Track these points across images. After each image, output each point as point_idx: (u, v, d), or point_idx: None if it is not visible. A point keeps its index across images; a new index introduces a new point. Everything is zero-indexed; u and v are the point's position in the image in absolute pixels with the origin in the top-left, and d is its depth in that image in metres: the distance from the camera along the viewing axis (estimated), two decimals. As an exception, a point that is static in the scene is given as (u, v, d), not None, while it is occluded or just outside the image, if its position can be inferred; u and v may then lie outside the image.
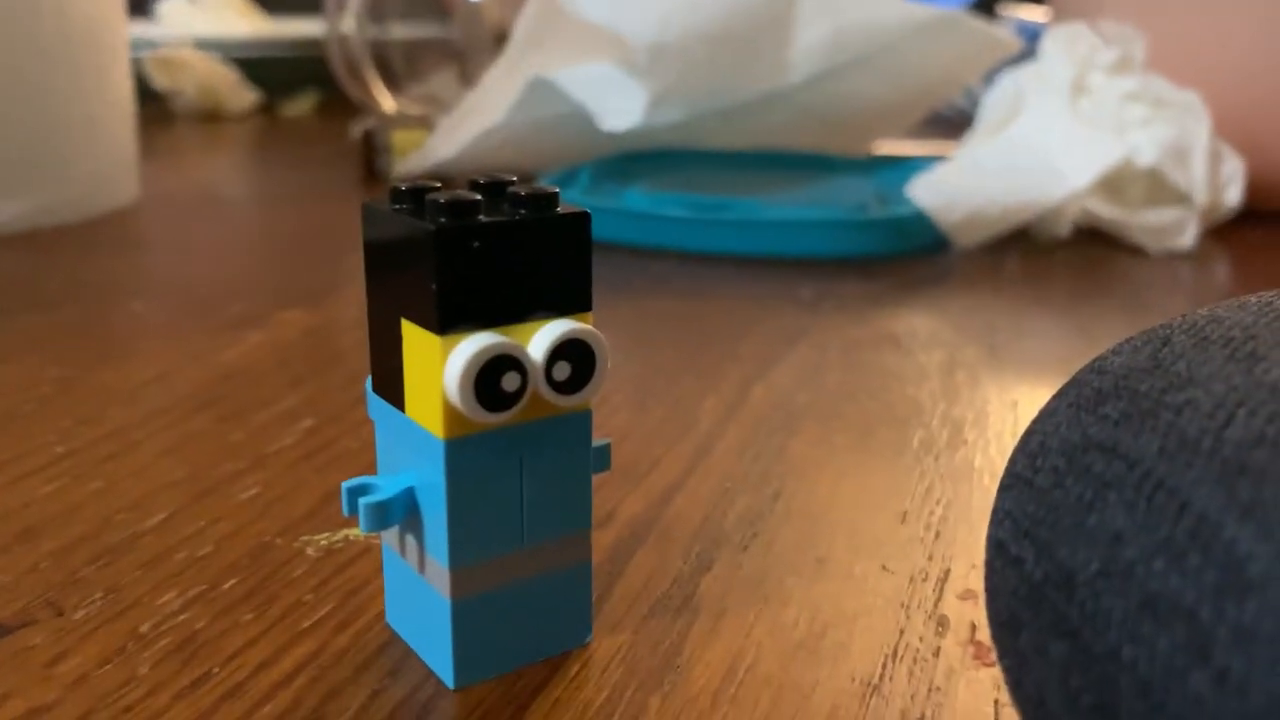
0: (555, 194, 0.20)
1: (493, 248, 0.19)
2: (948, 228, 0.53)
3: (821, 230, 0.53)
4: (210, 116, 0.98)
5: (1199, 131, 0.57)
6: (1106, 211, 0.55)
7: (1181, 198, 0.57)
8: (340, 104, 0.95)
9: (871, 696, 0.21)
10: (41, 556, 0.25)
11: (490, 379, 0.19)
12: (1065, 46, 0.59)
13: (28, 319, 0.43)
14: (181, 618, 0.23)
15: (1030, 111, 0.57)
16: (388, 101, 0.80)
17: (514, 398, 0.19)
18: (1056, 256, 0.54)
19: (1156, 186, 0.57)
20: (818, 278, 0.50)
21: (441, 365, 0.19)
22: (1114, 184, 0.57)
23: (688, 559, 0.26)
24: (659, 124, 0.60)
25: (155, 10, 1.10)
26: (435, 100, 0.81)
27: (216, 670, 0.21)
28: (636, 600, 0.24)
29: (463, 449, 0.20)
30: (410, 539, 0.21)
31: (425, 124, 0.71)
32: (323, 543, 0.26)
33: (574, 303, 0.20)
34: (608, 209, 0.56)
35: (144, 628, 0.23)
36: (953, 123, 0.85)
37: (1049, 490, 0.16)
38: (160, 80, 0.96)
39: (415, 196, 0.20)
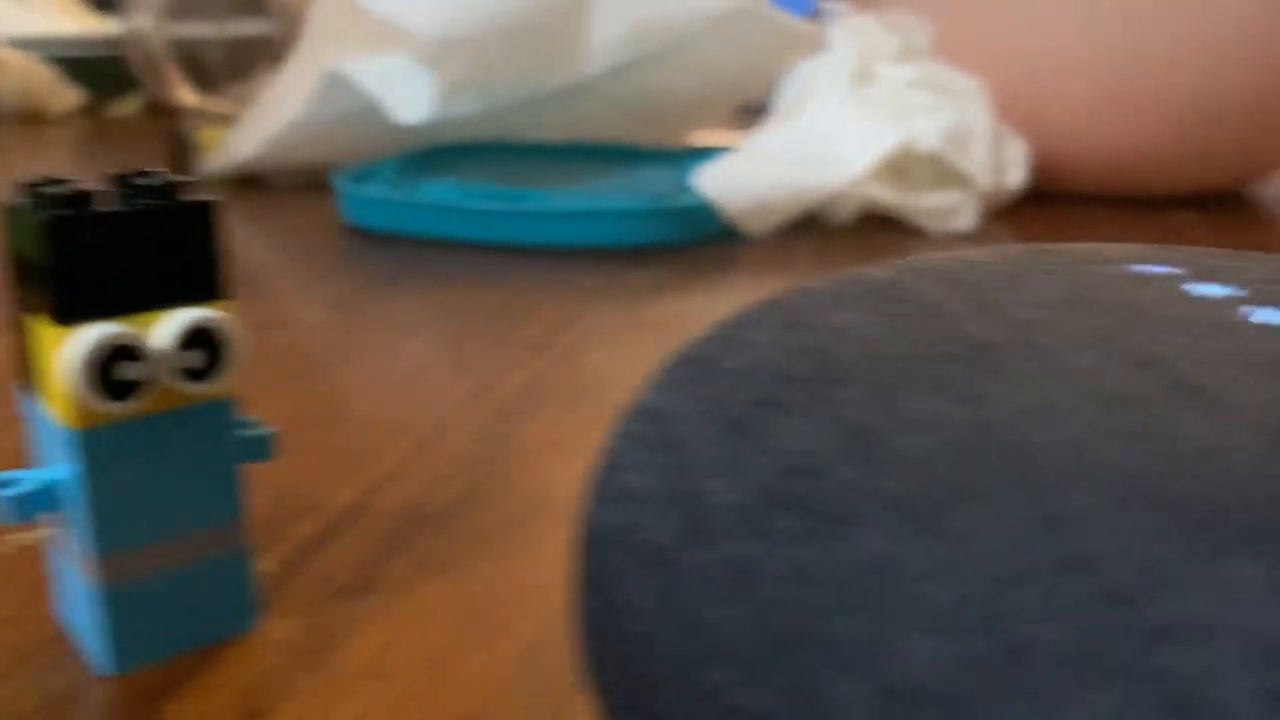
0: (178, 183, 0.20)
1: (109, 238, 0.19)
2: (733, 216, 0.54)
3: (609, 220, 0.53)
4: (31, 118, 0.96)
5: (979, 116, 0.60)
6: (889, 196, 0.57)
7: (965, 181, 0.59)
8: (170, 104, 0.93)
9: (527, 667, 0.22)
10: None
11: (108, 369, 0.19)
12: (852, 36, 0.61)
13: None
14: None
15: (817, 100, 0.59)
16: (190, 99, 0.79)
17: (134, 388, 0.19)
18: (843, 242, 0.56)
19: (941, 171, 0.60)
20: (607, 267, 0.51)
21: (60, 355, 0.19)
22: (900, 168, 0.59)
23: (381, 545, 0.26)
24: (454, 116, 0.61)
25: (-29, 9, 1.06)
26: (254, 98, 0.80)
27: None
28: (317, 587, 0.24)
29: (95, 440, 0.20)
30: (62, 531, 0.21)
31: (232, 122, 0.70)
32: (16, 540, 0.26)
33: (203, 291, 0.20)
34: (406, 202, 0.56)
35: None
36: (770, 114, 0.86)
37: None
38: (-27, 80, 0.93)
39: (40, 191, 0.20)
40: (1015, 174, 0.61)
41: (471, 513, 0.28)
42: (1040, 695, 0.10)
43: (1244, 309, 0.16)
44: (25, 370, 0.21)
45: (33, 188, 0.20)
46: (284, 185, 0.68)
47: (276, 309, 0.45)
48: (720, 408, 0.15)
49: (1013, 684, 0.11)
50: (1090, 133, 0.63)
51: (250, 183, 0.69)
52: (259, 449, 0.22)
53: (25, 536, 0.26)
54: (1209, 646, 0.10)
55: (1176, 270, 0.18)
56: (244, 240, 0.57)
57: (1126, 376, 0.14)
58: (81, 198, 0.19)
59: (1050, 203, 0.65)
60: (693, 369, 0.17)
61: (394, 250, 0.54)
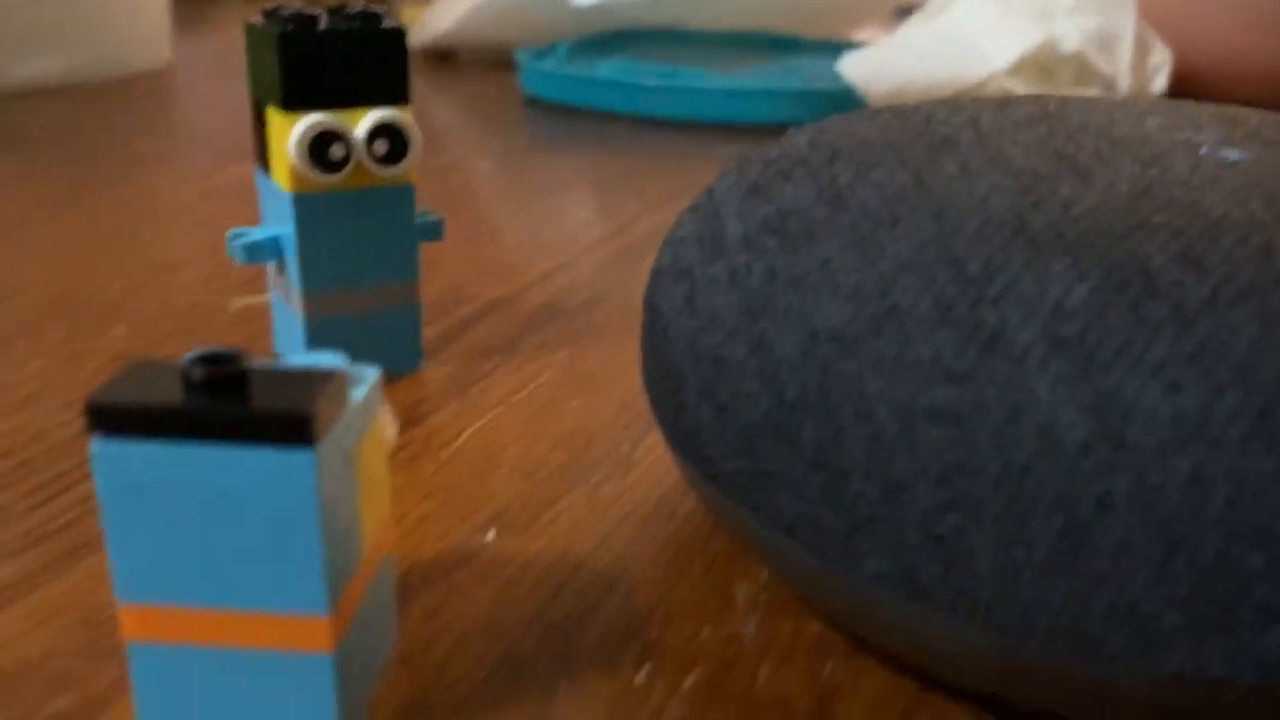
0: (380, 14, 0.26)
1: (325, 48, 0.26)
2: (872, 101, 0.58)
3: (753, 98, 0.58)
4: (253, -5, 1.05)
5: (1126, 21, 0.62)
6: (1025, 91, 0.60)
7: (1107, 83, 0.62)
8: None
9: (618, 410, 0.28)
10: (32, 303, 0.33)
11: (321, 147, 0.26)
12: (1008, -62, 0.63)
13: (53, 152, 0.51)
14: (123, 343, 0.31)
15: (964, 1, 0.62)
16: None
17: (340, 164, 0.26)
18: (979, 132, 0.59)
19: (1086, 72, 0.62)
20: (746, 141, 0.56)
21: (287, 136, 0.26)
22: (1043, 67, 0.62)
23: (520, 326, 0.33)
24: (624, 1, 0.66)
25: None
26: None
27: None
28: (468, 349, 0.31)
29: (306, 202, 0.26)
30: (281, 278, 0.28)
31: (430, 1, 0.77)
32: (244, 301, 0.34)
33: (394, 96, 0.27)
34: (577, 76, 0.62)
35: (94, 345, 0.30)
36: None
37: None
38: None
39: (276, 15, 0.26)
40: (1159, 80, 0.63)
41: (592, 312, 0.34)
42: (904, 334, 0.16)
43: (1180, 134, 0.21)
44: (261, 152, 0.28)
45: (268, 13, 0.27)
46: (472, 60, 0.75)
47: (455, 159, 0.52)
48: (747, 180, 0.20)
49: (889, 328, 0.16)
50: (1235, 41, 0.64)
51: (443, 57, 0.76)
52: (433, 230, 0.29)
53: (249, 299, 0.34)
54: (1017, 308, 0.15)
55: (1152, 113, 0.23)
56: (433, 105, 0.64)
57: (1040, 162, 0.18)
58: (306, 19, 0.26)
59: (1198, 110, 0.67)
60: (744, 161, 0.22)
61: (561, 119, 0.60)
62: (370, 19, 0.26)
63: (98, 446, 0.15)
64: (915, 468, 0.15)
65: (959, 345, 0.15)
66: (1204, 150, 0.19)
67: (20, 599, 0.20)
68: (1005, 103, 0.23)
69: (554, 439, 0.26)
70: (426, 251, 0.38)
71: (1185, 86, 0.67)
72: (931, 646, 0.16)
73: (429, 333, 0.32)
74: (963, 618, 0.16)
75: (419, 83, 0.69)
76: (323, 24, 0.26)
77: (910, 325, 0.16)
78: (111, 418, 0.15)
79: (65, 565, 0.21)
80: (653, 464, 0.25)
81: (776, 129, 0.58)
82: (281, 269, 0.28)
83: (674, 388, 0.19)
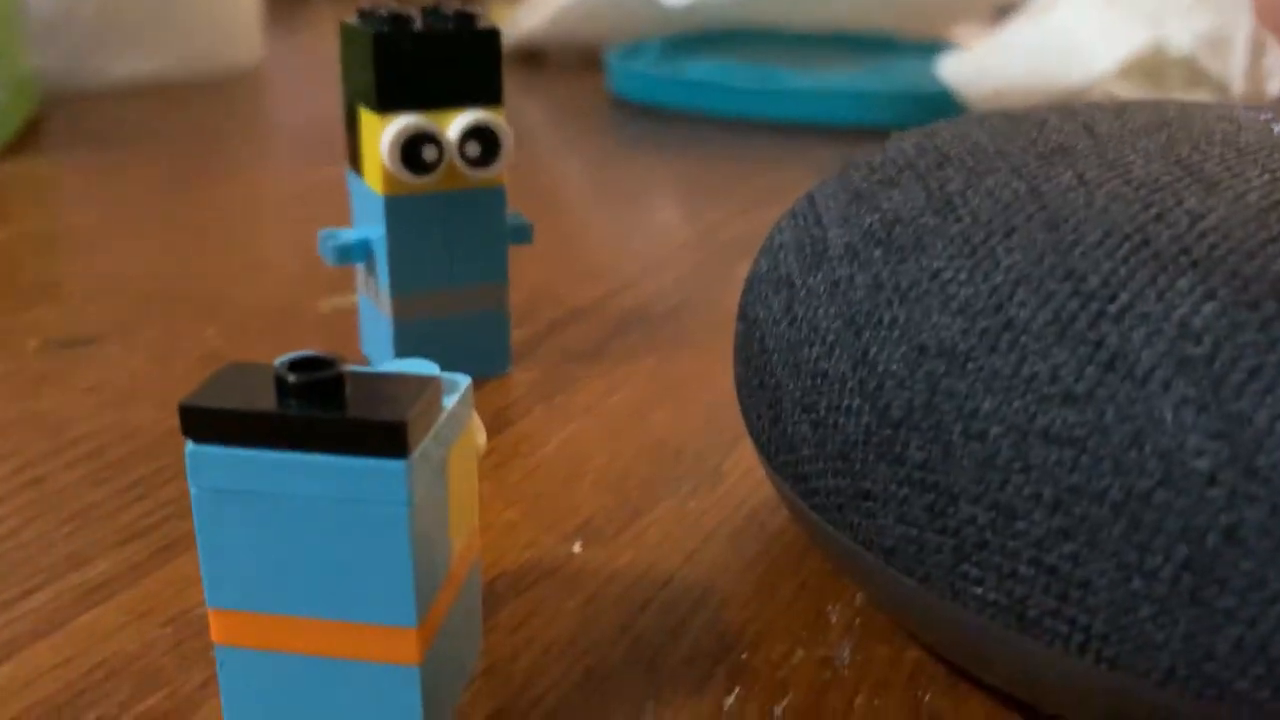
0: (475, 14, 0.26)
1: (420, 49, 0.25)
2: (973, 104, 0.57)
3: (848, 99, 0.57)
4: (347, -4, 1.06)
5: (1240, 21, 0.59)
6: (1130, 94, 0.58)
7: (1220, 87, 0.60)
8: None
9: (706, 419, 0.27)
10: (126, 301, 0.34)
11: (413, 149, 0.26)
12: (1113, -64, 0.61)
13: (148, 150, 0.52)
14: (215, 343, 0.31)
15: (1067, 0, 0.60)
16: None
17: (433, 166, 0.26)
18: (1079, 137, 0.58)
19: (1197, 76, 0.60)
20: (840, 144, 0.55)
21: (379, 137, 0.26)
22: (1152, 71, 0.60)
23: (609, 330, 0.32)
24: (715, 0, 0.65)
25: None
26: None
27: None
28: (556, 353, 0.31)
29: (398, 204, 0.26)
30: (370, 279, 0.28)
31: (520, 0, 0.77)
32: (332, 303, 0.34)
33: (487, 97, 0.27)
34: (667, 77, 0.61)
35: (186, 345, 0.31)
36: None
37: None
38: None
39: (372, 16, 0.26)
40: (1274, 83, 0.61)
41: (681, 317, 0.33)
42: (1019, 350, 0.15)
43: (1312, 143, 0.20)
44: (353, 154, 0.28)
45: (363, 13, 0.26)
46: (561, 59, 0.75)
47: (544, 160, 0.52)
48: (851, 185, 0.20)
49: (1003, 344, 0.15)
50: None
51: (532, 56, 0.76)
52: (523, 233, 0.29)
53: (338, 300, 0.34)
54: (1140, 326, 0.15)
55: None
56: (521, 105, 0.64)
57: (1161, 171, 0.18)
58: (401, 20, 0.25)
59: (1311, 115, 0.64)
60: (846, 166, 0.21)
61: (651, 120, 0.60)
62: (465, 20, 0.26)
63: (191, 451, 0.15)
64: (1029, 492, 0.15)
65: (1078, 364, 0.15)
66: (1340, 160, 0.18)
67: (114, 595, 0.20)
68: (1122, 108, 0.22)
69: (641, 448, 0.26)
70: (514, 254, 0.38)
71: (1297, 91, 0.64)
72: (1040, 679, 0.16)
73: (516, 336, 0.32)
74: (1075, 652, 0.15)
75: (508, 82, 0.69)
76: (418, 24, 0.26)
77: (1026, 341, 0.15)
78: (205, 422, 0.15)
79: (157, 563, 0.21)
80: (742, 477, 0.24)
81: (872, 131, 0.57)
82: (371, 270, 0.28)
83: (771, 401, 0.19)
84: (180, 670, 0.18)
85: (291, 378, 0.15)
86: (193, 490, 0.15)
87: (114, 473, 0.24)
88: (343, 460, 0.15)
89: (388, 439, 0.14)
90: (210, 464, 0.15)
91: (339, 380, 0.15)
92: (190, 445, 0.15)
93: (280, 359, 0.15)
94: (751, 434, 0.20)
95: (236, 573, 0.16)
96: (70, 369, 0.29)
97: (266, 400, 0.15)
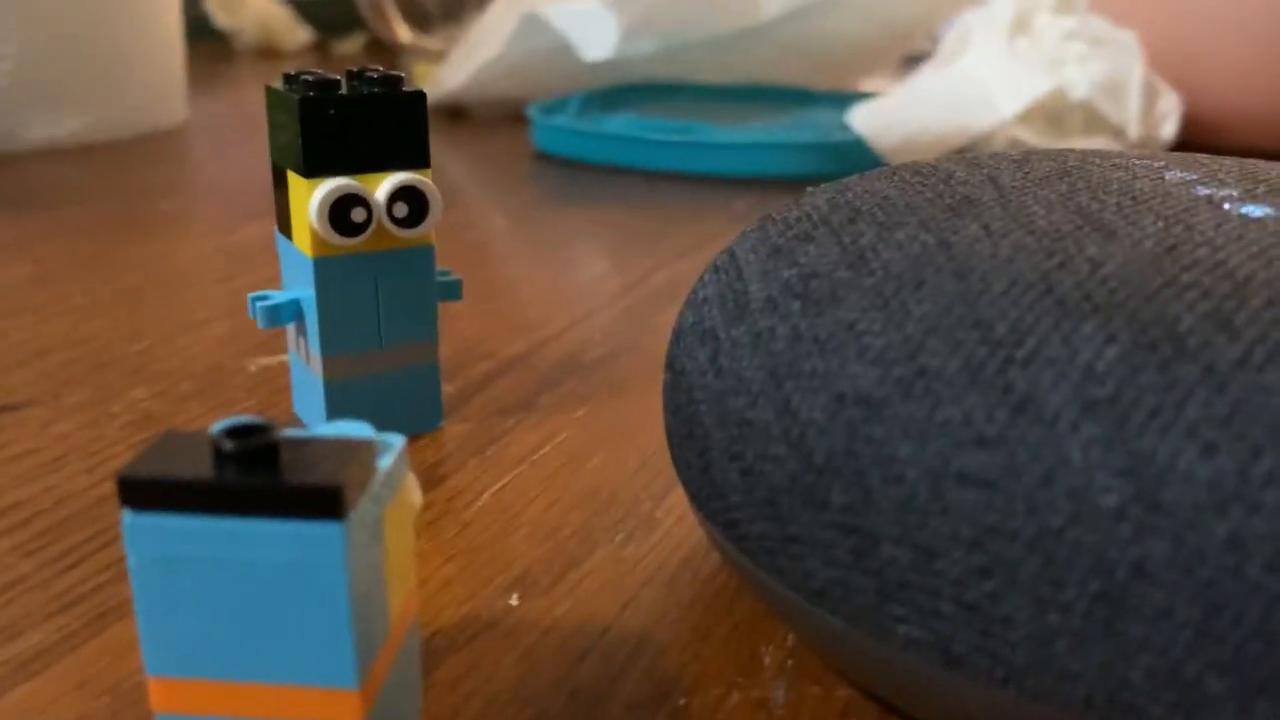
0: (400, 77, 0.27)
1: (346, 114, 0.26)
2: (882, 152, 0.59)
3: (764, 151, 0.59)
4: (267, 53, 1.06)
5: (1133, 68, 0.62)
6: (1032, 138, 0.61)
7: (1116, 131, 0.62)
8: (389, 42, 1.02)
9: (640, 467, 0.28)
10: (54, 365, 0.33)
11: (342, 212, 0.26)
12: (1014, -12, 0.64)
13: (71, 211, 0.51)
14: (145, 405, 0.31)
15: (973, 48, 0.62)
16: (408, 38, 0.87)
17: (361, 227, 0.26)
18: (990, 180, 0.59)
19: (1095, 120, 0.62)
20: (759, 194, 0.56)
21: (308, 201, 0.26)
22: (1053, 116, 0.62)
23: (539, 382, 0.33)
24: (636, 55, 0.67)
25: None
26: (462, 38, 0.87)
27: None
28: (488, 406, 0.31)
29: (327, 266, 0.27)
30: (300, 340, 0.28)
31: (442, 58, 0.78)
32: (262, 363, 0.34)
33: (414, 160, 0.27)
34: (588, 131, 0.62)
35: (115, 408, 0.30)
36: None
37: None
38: (221, 19, 1.04)
39: (297, 80, 0.27)
40: (1168, 127, 0.63)
41: (610, 367, 0.34)
42: (932, 397, 0.16)
43: (1202, 189, 0.21)
44: (281, 216, 0.28)
45: (289, 77, 0.27)
46: (484, 115, 0.76)
47: (469, 215, 0.52)
48: (769, 240, 0.20)
49: (917, 391, 0.16)
50: (1245, 87, 0.64)
51: (456, 113, 0.77)
52: (452, 290, 0.29)
53: (269, 360, 0.34)
54: (1048, 370, 0.15)
55: (1171, 166, 0.23)
56: (446, 161, 0.64)
57: (1063, 220, 0.19)
58: (327, 84, 0.26)
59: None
60: (764, 221, 0.22)
61: (574, 174, 0.61)
62: (390, 83, 0.26)
63: (130, 521, 0.15)
64: (948, 532, 0.15)
65: (989, 408, 0.15)
66: (1227, 206, 0.19)
67: (49, 667, 0.20)
68: (1025, 158, 0.23)
69: (575, 498, 0.26)
70: (444, 309, 0.39)
71: (1195, 132, 0.67)
72: (967, 713, 0.16)
73: (448, 390, 0.32)
74: (998, 685, 0.15)
75: (432, 139, 0.70)
76: (343, 88, 0.26)
77: (939, 388, 0.16)
78: (144, 492, 0.15)
79: (92, 632, 0.21)
80: (675, 522, 0.25)
81: (789, 181, 0.59)
82: (301, 331, 0.28)
83: (700, 449, 0.19)
84: (118, 741, 0.18)
85: (228, 445, 0.15)
86: (131, 560, 0.15)
87: (45, 542, 0.24)
88: (280, 525, 0.15)
89: (324, 502, 0.15)
90: (149, 533, 0.15)
91: (274, 446, 0.15)
92: (128, 515, 0.15)
93: (216, 426, 0.15)
94: (683, 481, 0.21)
95: (176, 639, 0.16)
96: (-5, 438, 0.29)
97: (204, 468, 0.15)
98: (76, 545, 0.24)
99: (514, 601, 0.22)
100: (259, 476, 0.15)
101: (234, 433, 0.15)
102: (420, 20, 0.89)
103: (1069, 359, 0.15)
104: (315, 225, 0.26)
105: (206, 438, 0.16)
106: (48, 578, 0.23)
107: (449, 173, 0.61)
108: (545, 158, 0.64)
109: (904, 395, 0.16)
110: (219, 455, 0.15)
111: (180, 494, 0.15)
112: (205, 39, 1.05)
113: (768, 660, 0.20)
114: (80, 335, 0.36)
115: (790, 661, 0.20)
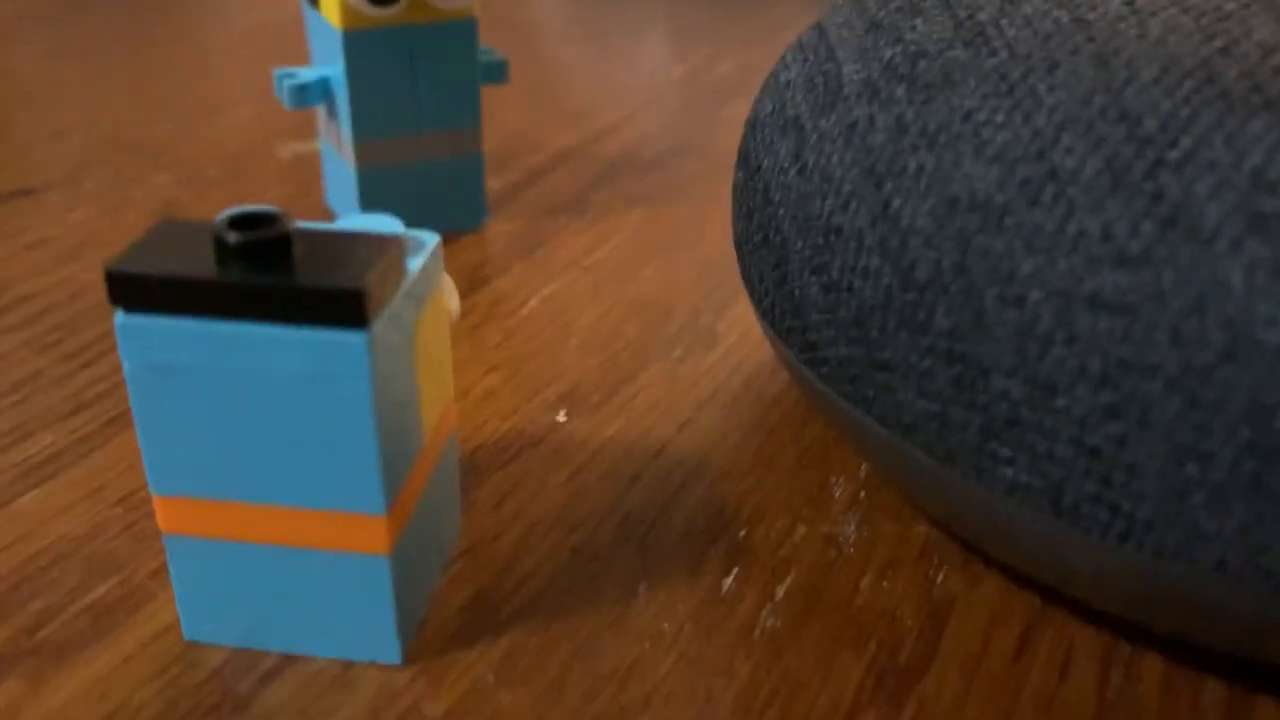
0: None
1: None
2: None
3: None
4: None
5: None
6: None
7: None
8: None
9: (698, 275, 0.25)
10: (74, 147, 0.31)
11: (375, -23, 0.23)
12: None
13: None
14: (168, 191, 0.29)
15: None
16: None
17: (396, -4, 0.23)
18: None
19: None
20: (834, -21, 0.52)
21: (336, -36, 0.23)
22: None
23: (592, 179, 0.30)
24: None
25: None
26: None
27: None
28: (536, 203, 0.29)
29: (358, 40, 0.24)
30: (331, 124, 0.26)
31: None
32: (293, 149, 0.31)
33: (455, -81, 0.24)
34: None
35: (137, 194, 0.28)
36: None
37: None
38: None
39: None
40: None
41: (670, 164, 0.31)
42: (1065, 204, 0.13)
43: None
44: (309, -17, 0.25)
45: None
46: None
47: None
48: (867, 14, 0.18)
49: (1046, 197, 0.13)
50: None
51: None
52: (497, 71, 0.26)
53: (299, 146, 0.31)
54: (1206, 176, 0.13)
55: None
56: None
57: (1225, -5, 0.15)
58: None
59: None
60: (857, -5, 0.19)
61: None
62: None
63: (122, 321, 0.13)
64: (1073, 365, 0.13)
65: (1133, 220, 0.13)
66: None
67: (61, 472, 0.19)
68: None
69: (629, 308, 0.24)
70: (488, 96, 0.36)
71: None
72: (1069, 565, 0.14)
73: (493, 185, 0.29)
74: (1115, 539, 0.13)
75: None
76: None
77: (1073, 194, 0.13)
78: (136, 289, 0.13)
79: (107, 436, 0.20)
80: (739, 339, 0.23)
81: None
82: (332, 113, 0.26)
83: (776, 260, 0.17)
84: (133, 555, 0.17)
85: (232, 237, 0.13)
86: (125, 366, 0.13)
87: (59, 337, 0.22)
88: (294, 332, 0.13)
89: (344, 307, 0.13)
90: (143, 336, 0.13)
91: (286, 240, 0.13)
92: (120, 315, 0.13)
93: (221, 215, 0.13)
94: (752, 296, 0.18)
95: (181, 456, 0.14)
96: (10, 223, 0.27)
97: (205, 263, 0.13)
98: (92, 341, 0.22)
99: (561, 418, 0.20)
100: (268, 275, 0.13)
101: (240, 222, 0.13)
102: None
103: (1234, 163, 0.13)
104: (345, -8, 0.23)
105: (209, 228, 0.14)
106: (61, 375, 0.21)
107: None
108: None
109: (1030, 201, 0.13)
110: (223, 249, 0.13)
111: (178, 292, 0.13)
112: None
113: (838, 493, 0.18)
114: (104, 116, 0.34)
115: (863, 494, 0.18)
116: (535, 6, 0.46)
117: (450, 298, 0.16)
